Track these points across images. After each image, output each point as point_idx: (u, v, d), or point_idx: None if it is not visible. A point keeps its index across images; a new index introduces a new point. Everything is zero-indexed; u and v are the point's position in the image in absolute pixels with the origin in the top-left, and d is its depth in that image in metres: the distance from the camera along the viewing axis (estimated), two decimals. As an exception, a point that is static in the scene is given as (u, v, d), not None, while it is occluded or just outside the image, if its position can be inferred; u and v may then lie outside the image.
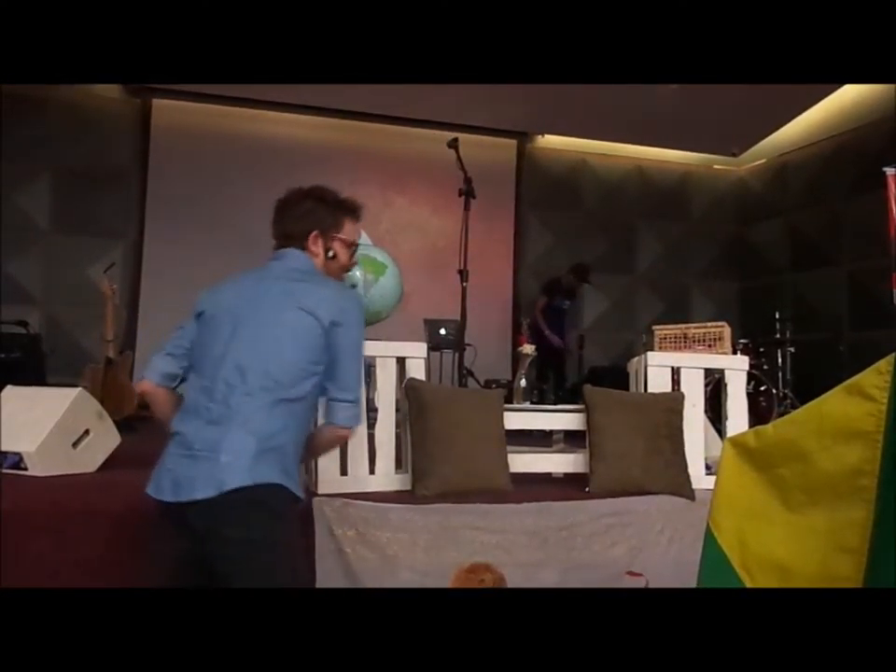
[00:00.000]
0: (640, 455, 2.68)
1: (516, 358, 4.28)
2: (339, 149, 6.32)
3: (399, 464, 2.64)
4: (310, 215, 1.76)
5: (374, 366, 2.59)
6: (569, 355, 6.12)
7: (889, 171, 3.84)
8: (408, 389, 2.56)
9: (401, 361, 2.65)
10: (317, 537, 2.27)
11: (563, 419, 2.95)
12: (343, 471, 2.49)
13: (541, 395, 5.30)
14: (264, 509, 1.45)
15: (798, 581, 0.95)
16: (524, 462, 2.82)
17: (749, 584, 1.03)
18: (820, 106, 6.37)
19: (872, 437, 0.86)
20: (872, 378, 0.87)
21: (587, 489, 2.68)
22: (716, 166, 7.59)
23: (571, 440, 3.14)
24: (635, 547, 2.56)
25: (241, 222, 5.87)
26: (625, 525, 2.57)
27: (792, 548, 0.97)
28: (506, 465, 2.63)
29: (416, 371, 2.65)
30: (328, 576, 2.26)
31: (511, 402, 2.99)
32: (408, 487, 2.56)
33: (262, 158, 6.09)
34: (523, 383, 3.03)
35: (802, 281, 6.72)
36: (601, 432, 2.70)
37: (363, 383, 2.09)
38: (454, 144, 3.55)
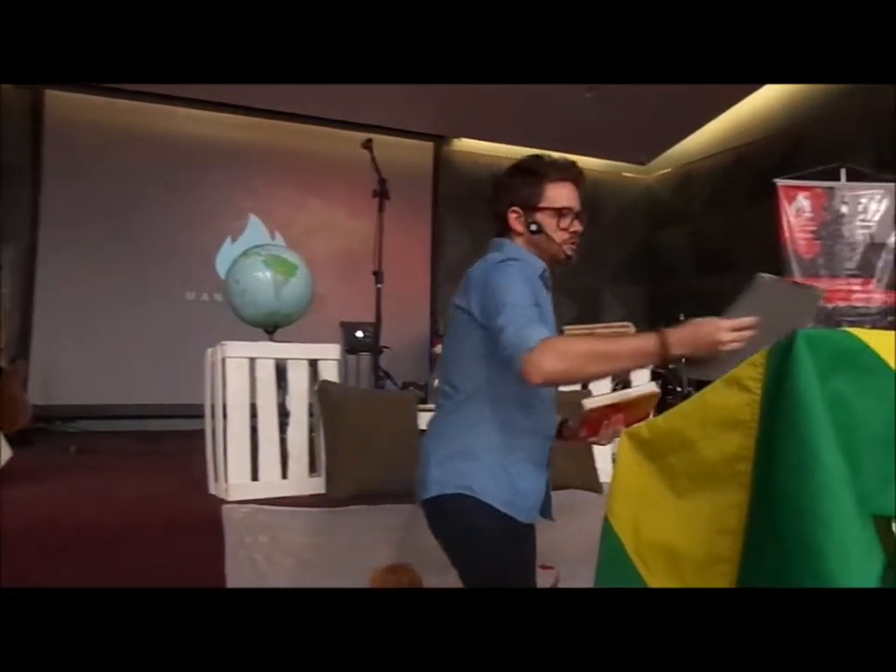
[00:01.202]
0: (552, 452, 2.75)
1: (434, 360, 4.32)
2: (252, 149, 6.17)
3: (313, 467, 2.61)
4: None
5: (286, 369, 2.55)
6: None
7: (780, 182, 4.09)
8: (320, 392, 2.54)
9: (314, 364, 2.62)
10: (227, 545, 2.22)
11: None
12: (255, 477, 2.44)
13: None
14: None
15: (685, 562, 1.00)
16: (439, 462, 2.84)
17: (641, 569, 1.08)
18: (722, 119, 6.71)
19: (748, 425, 0.91)
20: (748, 371, 0.92)
21: (501, 487, 2.73)
22: (625, 174, 7.88)
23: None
24: (547, 542, 2.62)
25: (148, 224, 5.65)
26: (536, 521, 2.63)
27: (680, 532, 1.02)
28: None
29: (329, 373, 2.63)
30: (240, 585, 2.20)
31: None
32: (322, 491, 2.53)
33: (171, 156, 5.86)
34: (436, 383, 3.05)
35: (705, 285, 7.05)
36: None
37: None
38: (368, 144, 3.55)
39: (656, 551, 1.04)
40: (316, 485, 2.55)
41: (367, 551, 2.37)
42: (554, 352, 1.33)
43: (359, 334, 5.06)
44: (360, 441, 2.49)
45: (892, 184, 3.97)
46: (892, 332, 0.92)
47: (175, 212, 5.78)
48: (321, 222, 6.38)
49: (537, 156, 1.66)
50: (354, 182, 5.55)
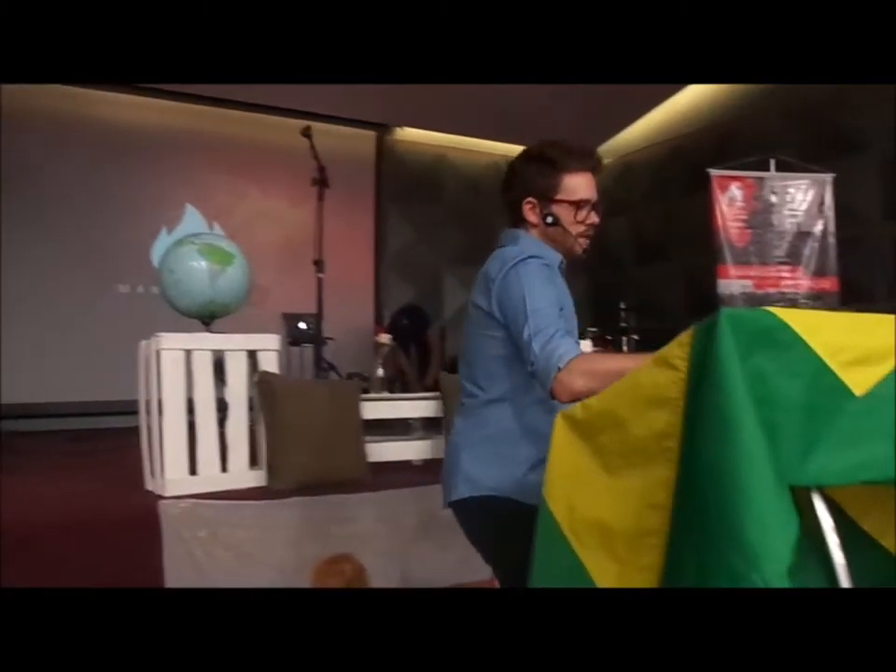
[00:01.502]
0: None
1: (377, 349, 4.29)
2: (188, 136, 6.00)
3: (253, 460, 2.57)
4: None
5: (224, 360, 2.50)
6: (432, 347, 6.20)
7: (713, 172, 4.20)
8: (260, 383, 2.49)
9: (253, 355, 2.57)
10: (165, 541, 2.16)
11: (420, 407, 2.99)
12: (193, 471, 2.38)
13: (405, 386, 5.33)
14: None
15: (616, 537, 1.02)
16: (382, 451, 2.84)
17: (576, 546, 1.10)
18: (659, 110, 6.86)
19: (675, 402, 0.93)
20: (675, 349, 0.94)
21: (444, 475, 2.73)
22: (567, 164, 7.98)
23: (433, 427, 3.20)
24: (490, 528, 2.65)
25: (77, 215, 5.43)
26: (481, 507, 2.65)
27: (612, 508, 1.04)
28: (363, 455, 2.63)
29: (269, 364, 2.58)
30: (178, 581, 2.15)
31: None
32: (264, 483, 2.50)
33: (100, 144, 5.64)
34: (380, 372, 3.04)
35: (644, 274, 7.22)
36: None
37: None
38: (307, 132, 3.49)
39: (590, 527, 1.06)
40: (257, 478, 2.51)
41: (308, 542, 2.35)
42: (583, 372, 1.33)
43: (302, 325, 4.99)
44: (302, 431, 2.46)
45: (818, 175, 4.13)
46: (810, 311, 0.95)
47: (106, 202, 5.57)
48: (261, 212, 6.26)
49: (554, 143, 1.56)
50: (294, 171, 5.46)
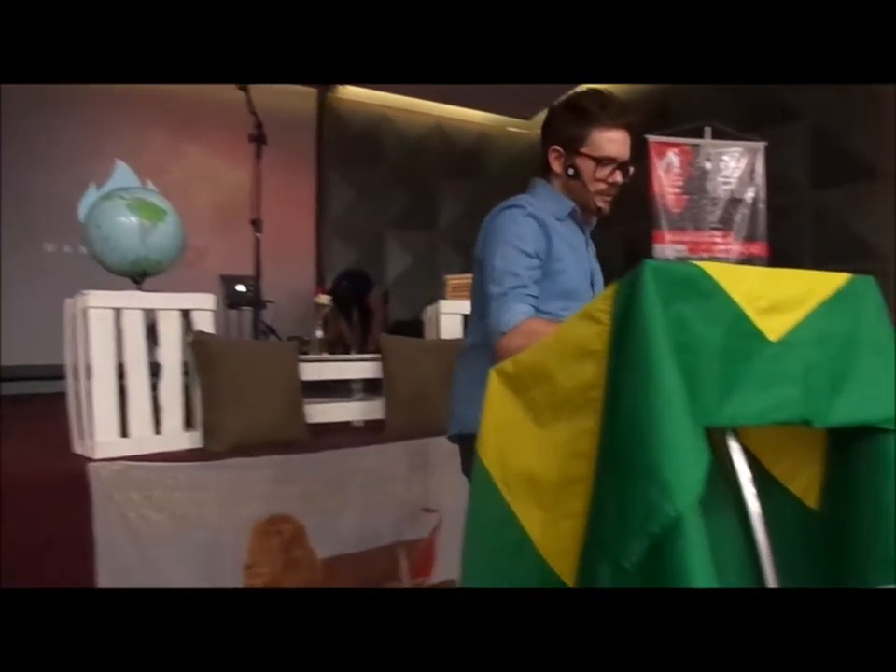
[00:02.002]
0: (434, 398, 2.79)
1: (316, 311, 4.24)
2: (121, 88, 5.72)
3: (189, 423, 2.52)
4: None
5: (157, 320, 2.42)
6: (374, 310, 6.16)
7: (651, 138, 4.26)
8: (195, 343, 2.43)
9: (187, 315, 2.50)
10: (95, 504, 2.12)
11: (361, 368, 2.98)
12: (124, 433, 2.32)
13: (345, 349, 5.30)
14: None
15: (543, 486, 1.05)
16: (322, 412, 2.82)
17: (507, 496, 1.13)
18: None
19: (599, 355, 0.96)
20: (599, 304, 0.97)
21: (384, 434, 2.75)
22: (510, 128, 7.96)
23: (374, 389, 3.20)
24: (429, 486, 2.69)
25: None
26: (420, 466, 2.68)
27: (541, 459, 1.07)
28: (302, 415, 2.61)
29: (205, 324, 2.52)
30: (110, 544, 2.12)
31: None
32: (199, 445, 2.46)
33: (22, 94, 5.32)
34: (319, 334, 3.01)
35: (585, 239, 7.31)
36: (396, 379, 2.77)
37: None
38: (244, 86, 3.37)
39: (519, 478, 1.09)
40: (193, 440, 2.46)
41: (247, 503, 2.33)
42: (523, 335, 1.37)
43: (240, 288, 4.89)
44: (238, 392, 2.42)
45: (751, 143, 4.24)
46: (729, 265, 0.99)
47: (28, 156, 5.28)
48: (197, 170, 6.05)
49: (593, 93, 1.52)
50: (231, 128, 5.27)
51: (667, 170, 4.18)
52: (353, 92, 7.05)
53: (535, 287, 1.45)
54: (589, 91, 1.52)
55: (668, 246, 4.13)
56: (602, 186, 1.51)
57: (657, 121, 4.94)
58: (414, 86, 6.86)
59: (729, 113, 4.94)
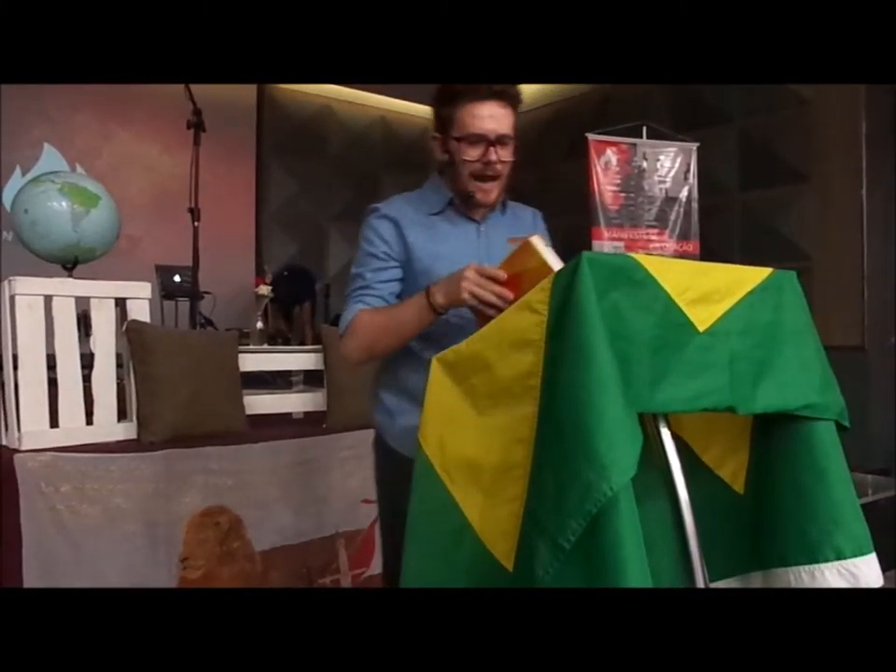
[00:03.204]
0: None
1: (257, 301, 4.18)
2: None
3: (123, 414, 2.45)
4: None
5: (89, 309, 2.35)
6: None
7: (591, 137, 4.35)
8: (130, 332, 2.37)
9: (122, 303, 2.43)
10: (22, 496, 2.04)
11: (301, 360, 2.96)
12: (54, 424, 2.24)
13: (286, 342, 5.24)
14: None
15: (483, 471, 1.08)
16: (261, 404, 2.79)
17: (447, 483, 1.15)
18: (543, 75, 7.00)
19: (537, 344, 0.99)
20: (537, 295, 1.00)
21: (324, 426, 2.74)
22: (454, 123, 7.99)
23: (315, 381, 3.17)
24: (368, 477, 2.68)
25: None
26: (360, 457, 2.68)
27: (481, 445, 1.09)
28: (241, 406, 2.58)
29: (140, 313, 2.45)
30: (39, 537, 2.05)
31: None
32: (134, 436, 2.39)
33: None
34: (259, 325, 2.97)
35: (526, 235, 7.40)
36: (337, 370, 2.76)
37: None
38: (182, 70, 3.28)
39: (459, 464, 1.12)
40: (127, 431, 2.39)
41: (182, 494, 2.30)
42: (350, 335, 1.41)
43: (177, 278, 4.75)
44: (175, 382, 2.37)
45: (685, 143, 4.38)
46: (661, 257, 1.04)
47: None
48: (131, 156, 5.83)
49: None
50: (168, 114, 5.14)
51: (606, 168, 4.28)
52: (295, 83, 6.95)
53: (388, 286, 1.45)
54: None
55: (606, 243, 4.23)
56: (476, 166, 1.40)
57: (598, 120, 5.05)
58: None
59: (664, 114, 5.10)
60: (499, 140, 1.40)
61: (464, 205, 1.49)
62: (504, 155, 1.41)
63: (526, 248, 1.19)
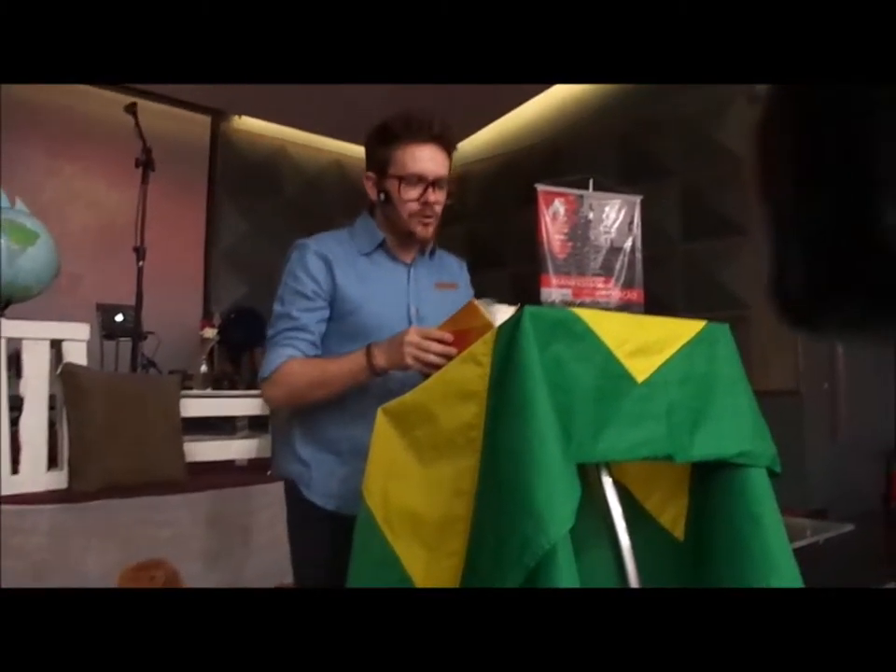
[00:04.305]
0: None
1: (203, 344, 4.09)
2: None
3: (53, 462, 2.35)
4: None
5: (21, 350, 2.26)
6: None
7: (540, 187, 4.47)
8: (64, 375, 2.28)
9: (57, 345, 2.35)
10: (-61, 551, 1.92)
11: (246, 405, 2.89)
12: (-23, 473, 2.13)
13: (232, 385, 5.13)
14: None
15: (425, 525, 1.06)
16: (203, 450, 2.71)
17: (389, 536, 1.13)
18: (495, 126, 7.17)
19: (480, 395, 1.00)
20: (480, 347, 1.01)
21: (269, 473, 2.67)
22: (407, 169, 8.10)
23: (260, 426, 3.10)
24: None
25: None
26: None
27: (424, 498, 1.08)
28: (181, 454, 2.50)
29: (76, 355, 2.37)
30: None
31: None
32: (65, 486, 2.29)
33: None
34: (203, 368, 2.90)
35: (477, 279, 7.49)
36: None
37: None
38: (132, 109, 3.27)
39: (402, 517, 1.10)
40: (58, 480, 2.29)
41: (115, 548, 2.19)
42: (276, 383, 1.37)
43: (119, 318, 4.63)
44: (111, 428, 2.28)
45: (629, 196, 4.54)
46: (599, 311, 1.06)
47: None
48: (75, 191, 5.71)
49: (401, 113, 1.43)
50: (116, 150, 5.06)
51: (554, 217, 4.38)
52: (249, 123, 6.96)
53: (318, 326, 1.41)
54: (396, 113, 1.44)
55: (554, 290, 4.31)
56: (415, 206, 1.41)
57: (548, 171, 5.19)
58: (312, 119, 6.84)
59: (610, 167, 5.27)
60: (437, 182, 1.42)
61: (399, 245, 1.50)
62: (440, 197, 1.44)
63: (470, 309, 1.21)
